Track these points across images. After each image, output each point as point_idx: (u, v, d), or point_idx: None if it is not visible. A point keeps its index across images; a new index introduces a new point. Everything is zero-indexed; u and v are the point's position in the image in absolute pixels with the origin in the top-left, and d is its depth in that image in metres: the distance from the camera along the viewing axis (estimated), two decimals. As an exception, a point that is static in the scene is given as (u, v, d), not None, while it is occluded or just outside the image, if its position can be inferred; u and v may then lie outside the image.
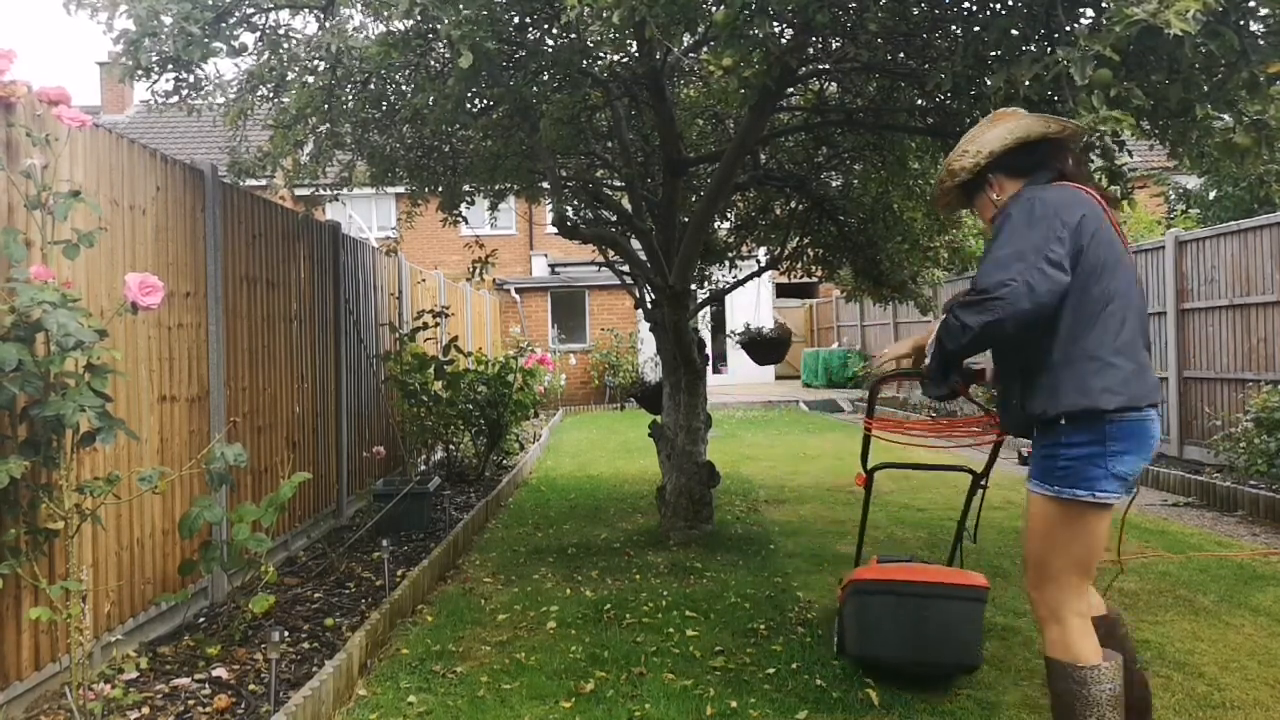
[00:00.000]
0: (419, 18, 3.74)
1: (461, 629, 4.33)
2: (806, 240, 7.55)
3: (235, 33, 4.28)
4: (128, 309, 3.02)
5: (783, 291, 22.32)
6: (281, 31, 4.68)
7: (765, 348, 8.31)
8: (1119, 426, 2.39)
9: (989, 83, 3.14)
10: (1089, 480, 2.41)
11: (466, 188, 6.86)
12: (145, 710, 3.22)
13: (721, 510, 6.83)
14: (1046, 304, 2.36)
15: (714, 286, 8.13)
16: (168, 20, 3.99)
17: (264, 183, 6.06)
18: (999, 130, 2.63)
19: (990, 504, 7.01)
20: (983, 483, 3.58)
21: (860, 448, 3.72)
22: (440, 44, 4.42)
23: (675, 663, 3.83)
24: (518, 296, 18.59)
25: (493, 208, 7.33)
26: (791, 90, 5.84)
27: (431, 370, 7.60)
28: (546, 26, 4.86)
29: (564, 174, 6.61)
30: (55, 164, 3.11)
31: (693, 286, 6.50)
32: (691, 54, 5.55)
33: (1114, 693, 2.44)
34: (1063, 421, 2.44)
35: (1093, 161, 3.80)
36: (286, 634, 3.91)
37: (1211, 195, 11.51)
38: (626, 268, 6.92)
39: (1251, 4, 2.84)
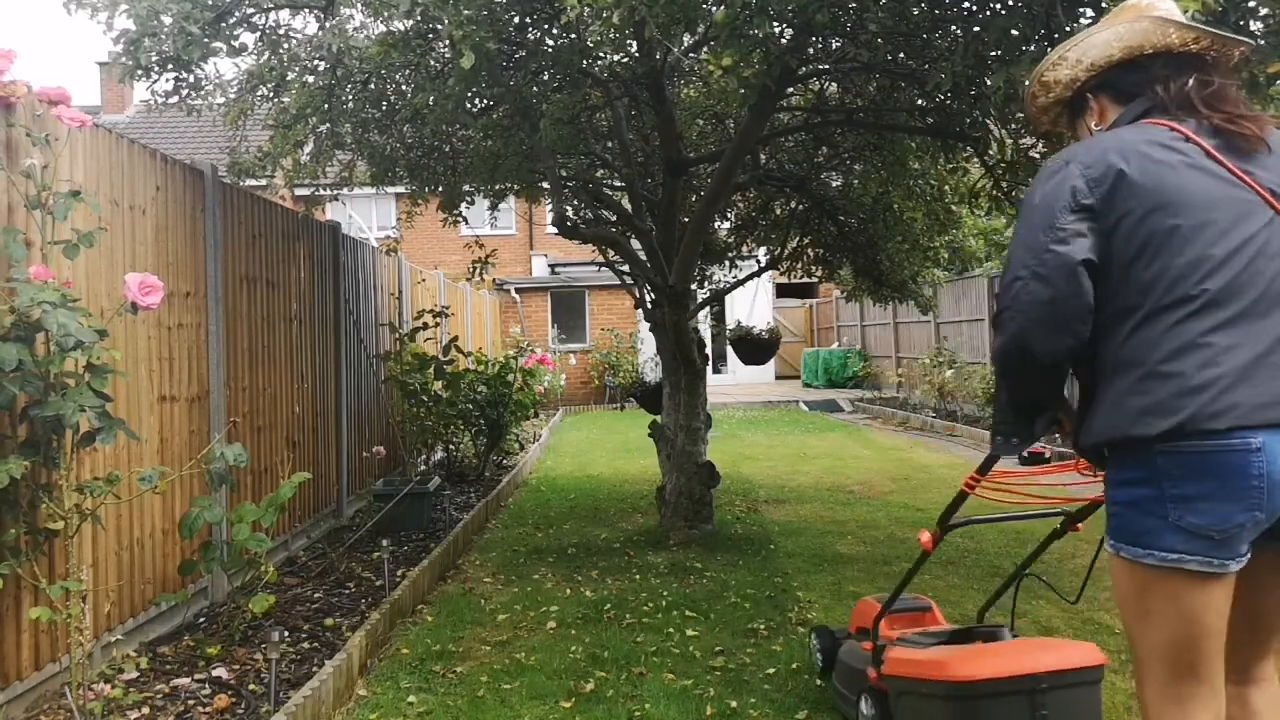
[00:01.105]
0: (419, 18, 3.74)
1: (461, 629, 4.33)
2: (806, 240, 7.56)
3: (235, 33, 4.29)
4: (128, 309, 3.02)
5: (783, 291, 22.31)
6: (281, 31, 4.68)
7: (752, 348, 8.35)
8: (1174, 459, 1.71)
9: (989, 83, 3.14)
10: (1143, 535, 1.75)
11: (466, 188, 6.87)
12: (145, 710, 3.22)
13: (721, 510, 6.83)
14: (1069, 292, 1.77)
15: (714, 286, 8.13)
16: (168, 20, 3.99)
17: (264, 183, 6.06)
18: (1107, 35, 1.94)
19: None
20: (1076, 525, 2.71)
21: (949, 504, 2.66)
22: (441, 44, 4.43)
23: (675, 663, 3.82)
24: (518, 296, 18.59)
25: (493, 208, 7.33)
26: (791, 90, 5.84)
27: (431, 370, 7.60)
28: (546, 26, 4.87)
29: (564, 174, 6.62)
30: (55, 164, 3.11)
31: (693, 286, 6.51)
32: (691, 54, 5.55)
33: None
34: (1105, 453, 1.85)
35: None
36: (286, 634, 3.91)
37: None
38: (626, 268, 6.92)
39: (1251, 4, 2.84)
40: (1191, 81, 1.87)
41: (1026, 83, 2.76)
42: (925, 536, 2.74)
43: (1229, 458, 1.67)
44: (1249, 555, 1.75)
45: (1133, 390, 1.76)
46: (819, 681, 3.56)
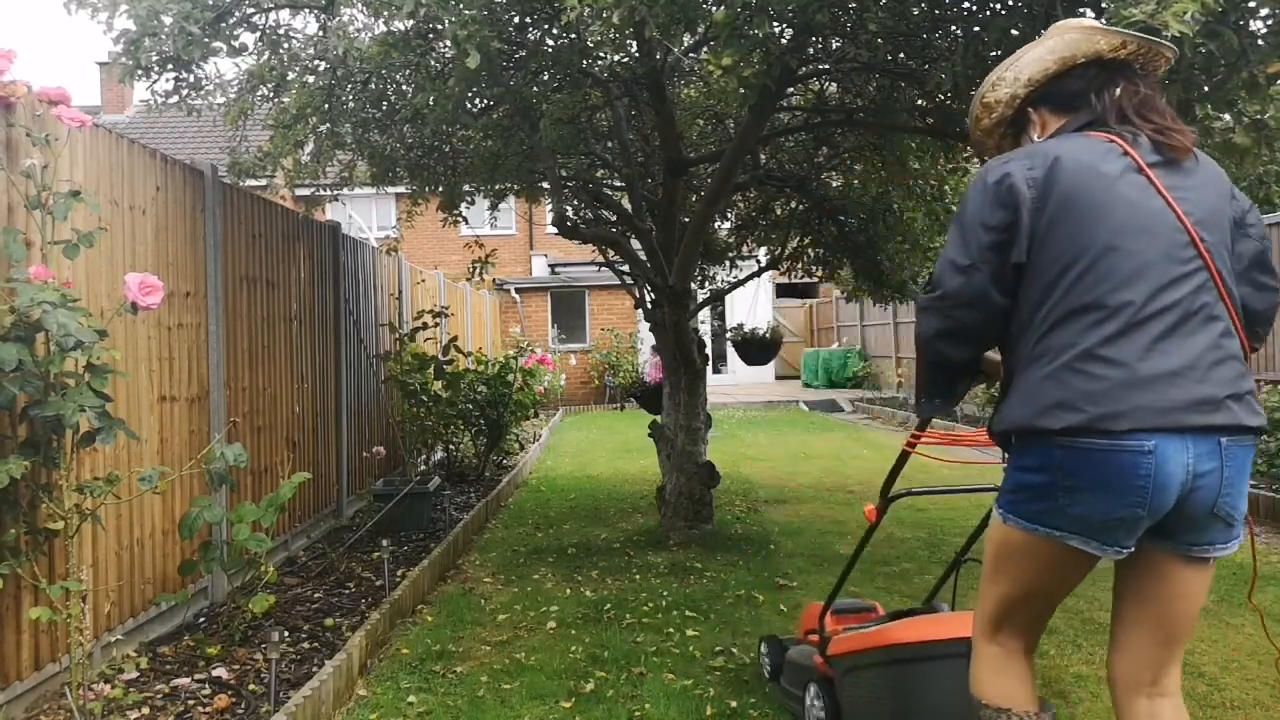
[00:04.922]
0: (421, 18, 3.74)
1: (461, 629, 4.33)
2: (807, 240, 7.55)
3: (235, 32, 4.28)
4: (128, 309, 3.02)
5: (783, 291, 22.31)
6: (281, 31, 4.68)
7: (756, 348, 8.36)
8: (1070, 453, 1.79)
9: (989, 83, 3.13)
10: (1036, 515, 1.87)
11: (466, 188, 6.87)
12: (145, 710, 3.22)
13: (721, 510, 6.83)
14: (982, 294, 1.91)
15: (714, 286, 8.14)
16: (168, 20, 3.99)
17: (264, 183, 6.06)
18: (1040, 50, 2.01)
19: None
20: None
21: (890, 471, 2.65)
22: (441, 44, 4.42)
23: (675, 663, 3.82)
24: (518, 296, 18.59)
25: (493, 208, 7.33)
26: (791, 90, 5.84)
27: (431, 370, 7.60)
28: (547, 26, 4.87)
29: (564, 174, 6.61)
30: (55, 164, 3.11)
31: (693, 286, 6.51)
32: (691, 54, 5.55)
33: None
34: (1013, 439, 1.93)
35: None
36: (286, 634, 3.91)
37: (1211, 195, 11.49)
38: (626, 268, 6.92)
39: (1251, 4, 2.84)
40: (1119, 90, 1.95)
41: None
42: (869, 509, 2.75)
43: (1120, 457, 1.75)
44: (1131, 550, 1.87)
45: (1041, 386, 1.83)
46: (767, 689, 3.47)
